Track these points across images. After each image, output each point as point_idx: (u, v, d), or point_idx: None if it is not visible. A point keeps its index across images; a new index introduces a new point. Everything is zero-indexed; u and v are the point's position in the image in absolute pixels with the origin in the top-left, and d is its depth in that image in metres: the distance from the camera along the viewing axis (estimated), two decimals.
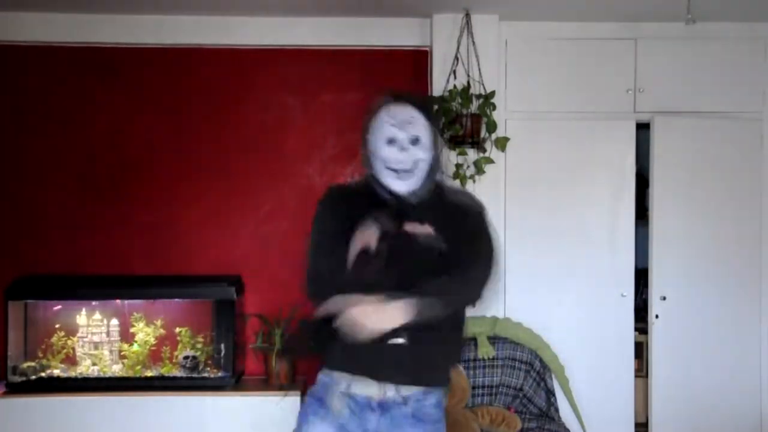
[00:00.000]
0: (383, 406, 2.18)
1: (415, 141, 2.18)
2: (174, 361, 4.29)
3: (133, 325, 4.31)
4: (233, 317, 4.21)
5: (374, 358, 2.14)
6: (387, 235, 2.15)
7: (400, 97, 2.23)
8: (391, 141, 2.17)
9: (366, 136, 2.23)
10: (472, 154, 4.25)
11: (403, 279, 2.10)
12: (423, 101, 2.28)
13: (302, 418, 2.24)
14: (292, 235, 4.48)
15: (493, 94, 4.21)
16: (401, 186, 2.18)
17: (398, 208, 2.19)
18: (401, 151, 2.17)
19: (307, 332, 2.43)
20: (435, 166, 2.24)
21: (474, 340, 4.18)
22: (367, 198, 2.22)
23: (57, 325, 4.29)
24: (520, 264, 4.47)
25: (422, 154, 2.19)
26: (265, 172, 4.50)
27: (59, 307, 4.30)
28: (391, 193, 2.19)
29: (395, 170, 2.17)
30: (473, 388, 4.10)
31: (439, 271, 2.14)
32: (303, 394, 4.02)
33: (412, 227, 2.17)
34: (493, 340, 4.20)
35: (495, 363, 4.16)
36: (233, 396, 4.10)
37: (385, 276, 2.12)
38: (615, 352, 4.47)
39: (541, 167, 4.48)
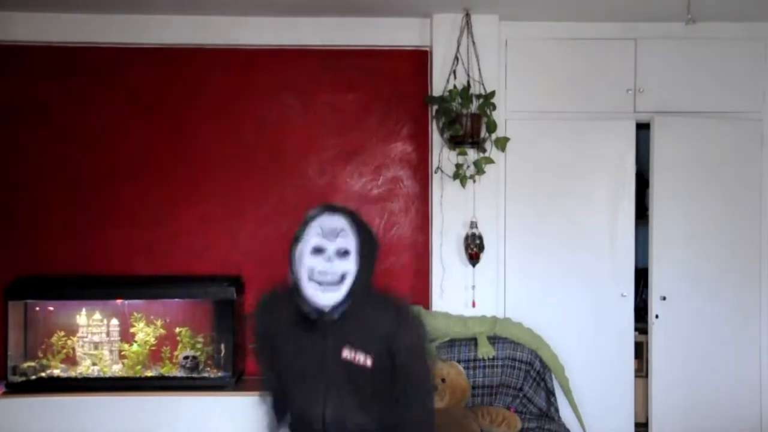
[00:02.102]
0: None
1: (342, 253, 2.12)
2: (174, 361, 4.29)
3: (133, 325, 4.31)
4: (233, 317, 4.21)
5: None
6: (323, 359, 2.14)
7: (331, 209, 2.19)
8: (317, 250, 2.13)
9: (295, 245, 2.18)
10: (472, 154, 4.26)
11: (343, 407, 2.14)
12: (353, 214, 2.21)
13: None
14: (292, 235, 4.48)
15: (493, 94, 4.21)
16: (324, 299, 2.11)
17: (320, 322, 2.14)
18: (327, 261, 2.12)
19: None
20: (362, 279, 2.15)
21: (474, 340, 4.18)
22: (294, 308, 2.17)
23: (57, 325, 4.28)
24: (520, 264, 4.48)
25: (349, 267, 2.12)
26: (265, 172, 4.50)
27: (59, 307, 4.30)
28: (313, 308, 2.14)
29: (319, 282, 2.11)
30: (473, 388, 4.10)
31: (373, 398, 2.16)
32: None
33: (348, 353, 2.14)
34: (493, 340, 4.20)
35: (495, 363, 4.16)
36: (233, 396, 4.10)
37: (324, 405, 2.15)
38: (615, 352, 4.47)
39: (541, 167, 4.48)
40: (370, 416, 2.16)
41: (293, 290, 2.17)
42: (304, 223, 2.19)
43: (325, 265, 2.11)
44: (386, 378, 2.16)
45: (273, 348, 2.25)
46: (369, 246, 2.18)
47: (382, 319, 2.17)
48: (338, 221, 2.16)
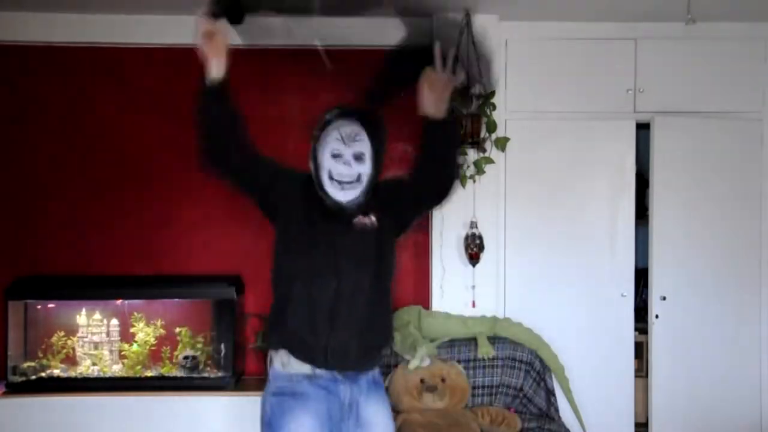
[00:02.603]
0: (349, 377, 2.38)
1: (358, 157, 2.34)
2: (174, 361, 4.29)
3: (133, 325, 4.31)
4: (233, 317, 4.21)
5: (320, 351, 2.33)
6: (339, 233, 2.36)
7: (348, 112, 2.37)
8: (336, 155, 2.33)
9: (314, 145, 2.37)
10: (472, 154, 4.26)
11: (360, 264, 2.36)
12: (369, 117, 2.40)
13: (278, 417, 2.33)
14: None
15: (493, 94, 4.21)
16: (343, 196, 2.34)
17: (341, 215, 2.37)
18: (345, 165, 2.33)
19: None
20: (376, 179, 2.39)
21: (474, 340, 4.18)
22: (316, 201, 2.38)
23: (57, 325, 4.28)
24: (520, 264, 4.48)
25: (364, 169, 2.35)
26: None
27: (59, 307, 4.30)
28: (334, 202, 2.34)
29: (339, 182, 2.33)
30: (473, 388, 4.10)
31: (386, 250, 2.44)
32: None
33: (358, 220, 2.37)
34: (493, 340, 4.20)
35: (495, 363, 4.16)
36: (233, 396, 4.10)
37: (344, 264, 2.35)
38: (615, 352, 4.47)
39: (541, 167, 4.48)
40: (378, 279, 2.39)
41: (315, 185, 2.36)
42: (322, 126, 2.37)
43: (343, 168, 2.34)
44: (391, 232, 2.46)
45: (280, 207, 2.45)
46: (381, 148, 2.40)
47: (380, 195, 2.42)
48: (354, 126, 2.36)
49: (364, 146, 2.36)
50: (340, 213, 2.35)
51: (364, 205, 2.37)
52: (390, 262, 2.47)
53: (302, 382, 2.34)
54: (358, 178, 2.35)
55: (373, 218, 2.40)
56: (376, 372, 2.51)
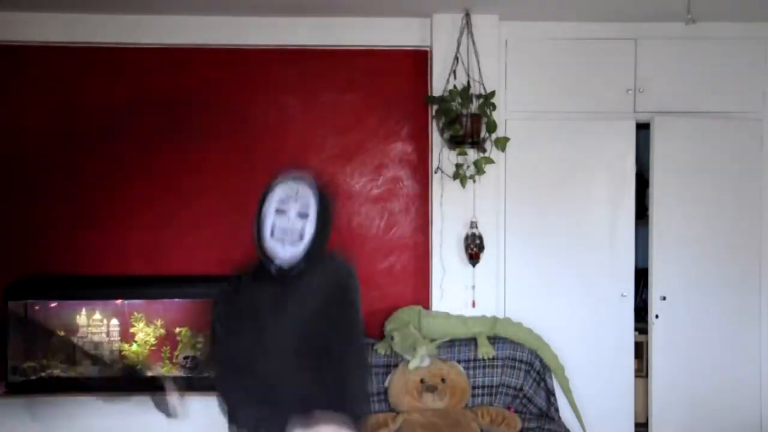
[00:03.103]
0: None
1: (303, 214, 2.33)
2: (174, 361, 4.29)
3: (133, 325, 4.31)
4: None
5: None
6: (278, 312, 2.32)
7: (294, 174, 2.41)
8: (279, 211, 2.35)
9: (260, 207, 2.41)
10: (472, 154, 4.25)
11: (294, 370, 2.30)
12: (314, 179, 2.42)
13: None
14: None
15: (493, 94, 4.21)
16: (284, 253, 2.32)
17: (280, 280, 2.34)
18: (288, 221, 2.33)
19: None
20: (319, 240, 2.35)
21: (474, 340, 4.19)
22: (254, 274, 2.40)
23: (57, 325, 4.28)
24: (520, 264, 4.48)
25: (308, 228, 2.33)
26: (265, 171, 4.45)
27: (59, 307, 4.30)
28: (273, 264, 2.33)
29: (280, 239, 2.32)
30: (473, 388, 4.10)
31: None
32: None
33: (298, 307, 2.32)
34: (493, 340, 4.20)
35: (495, 363, 4.16)
36: None
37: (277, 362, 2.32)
38: (615, 352, 4.47)
39: (541, 167, 4.48)
40: (315, 380, 2.30)
41: (256, 247, 2.39)
42: (269, 187, 2.41)
43: (287, 224, 2.33)
44: (328, 332, 2.33)
45: (233, 324, 2.49)
46: (327, 210, 2.38)
47: (326, 276, 2.37)
48: (300, 185, 2.37)
49: (309, 205, 2.35)
50: (277, 275, 2.33)
51: (302, 271, 2.33)
52: (321, 333, 2.34)
53: None
54: (301, 237, 2.32)
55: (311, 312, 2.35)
56: None
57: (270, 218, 2.37)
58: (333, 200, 2.43)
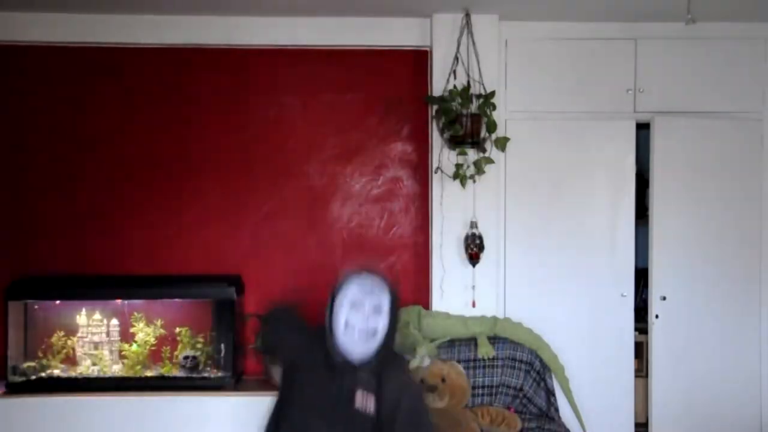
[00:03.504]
0: None
1: (377, 309, 2.34)
2: (174, 361, 4.29)
3: (133, 325, 4.31)
4: (233, 317, 4.21)
5: None
6: (335, 401, 2.33)
7: (366, 269, 2.43)
8: (354, 305, 2.34)
9: (332, 299, 2.39)
10: (472, 154, 4.25)
11: None
12: (383, 275, 2.45)
13: None
14: (292, 235, 4.49)
15: (493, 94, 4.21)
16: (357, 352, 2.33)
17: (344, 370, 2.34)
18: (363, 316, 2.33)
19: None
20: (390, 335, 2.37)
21: (474, 340, 4.18)
22: (320, 348, 2.38)
23: (57, 325, 4.28)
24: (520, 264, 4.48)
25: (381, 323, 2.34)
26: (265, 171, 4.50)
27: (59, 307, 4.30)
28: (342, 356, 2.34)
29: (354, 336, 2.32)
30: (473, 388, 4.10)
31: None
32: None
33: (361, 396, 2.33)
34: (493, 340, 4.20)
35: (495, 363, 4.16)
36: (233, 396, 4.10)
37: None
38: (615, 352, 4.47)
39: (541, 167, 4.48)
40: None
41: (325, 336, 2.36)
42: (341, 281, 2.41)
43: (361, 320, 2.33)
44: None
45: (288, 374, 2.47)
46: (397, 308, 2.41)
47: (392, 378, 2.37)
48: (373, 279, 2.39)
49: (383, 299, 2.37)
50: (347, 370, 2.35)
51: (373, 371, 2.34)
52: None
53: None
54: (374, 333, 2.34)
55: (372, 405, 2.35)
56: None
57: (344, 313, 2.35)
58: (400, 299, 2.46)
